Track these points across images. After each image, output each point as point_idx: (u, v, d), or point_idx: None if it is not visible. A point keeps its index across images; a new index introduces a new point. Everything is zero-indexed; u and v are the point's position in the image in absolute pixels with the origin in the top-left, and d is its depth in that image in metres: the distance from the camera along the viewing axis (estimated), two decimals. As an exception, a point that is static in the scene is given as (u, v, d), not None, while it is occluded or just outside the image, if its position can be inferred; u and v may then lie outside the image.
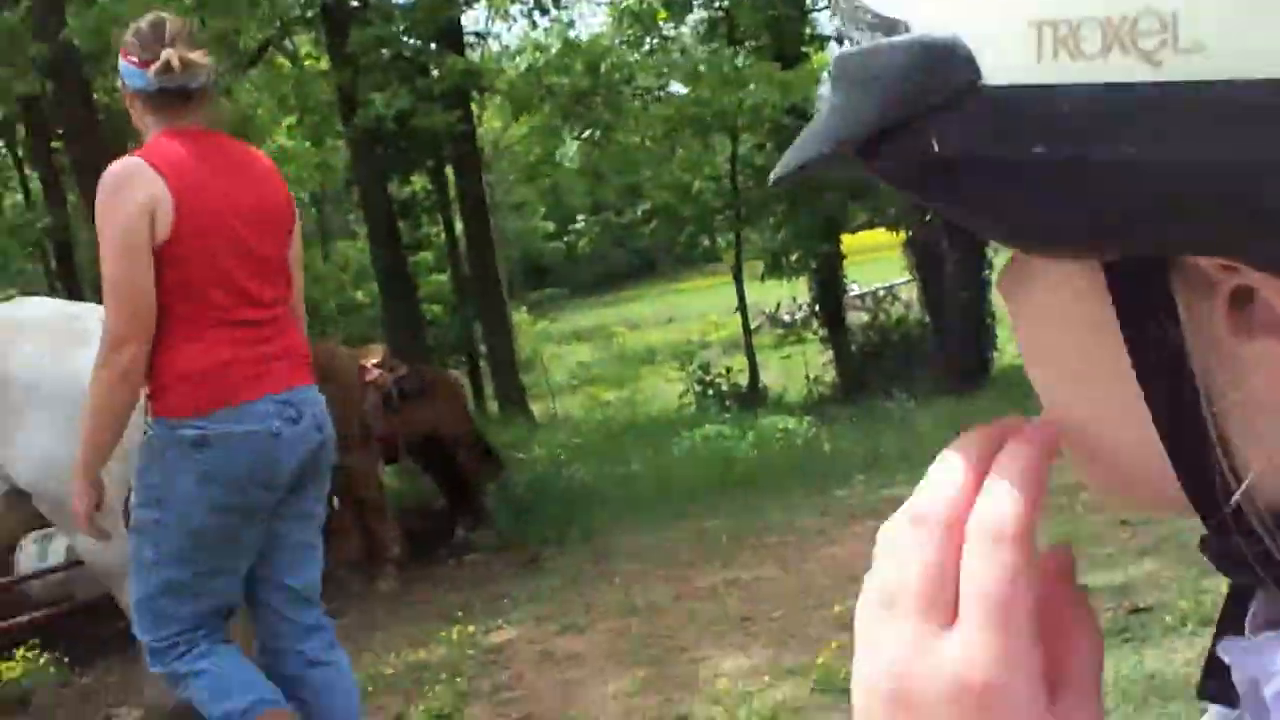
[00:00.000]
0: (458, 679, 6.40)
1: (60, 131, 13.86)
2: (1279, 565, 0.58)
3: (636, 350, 33.51)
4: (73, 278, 15.99)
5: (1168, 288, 0.56)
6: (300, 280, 4.33)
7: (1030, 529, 0.58)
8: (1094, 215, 0.54)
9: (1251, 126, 0.50)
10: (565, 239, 51.35)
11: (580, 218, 50.58)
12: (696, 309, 37.85)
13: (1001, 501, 0.59)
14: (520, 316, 30.86)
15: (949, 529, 0.59)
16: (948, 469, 0.62)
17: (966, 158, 0.55)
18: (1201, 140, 0.51)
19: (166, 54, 3.88)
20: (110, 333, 3.88)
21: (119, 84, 4.14)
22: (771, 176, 0.65)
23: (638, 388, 25.57)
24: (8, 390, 5.94)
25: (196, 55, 3.95)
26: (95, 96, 12.34)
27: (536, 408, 22.39)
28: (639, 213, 20.85)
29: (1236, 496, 0.58)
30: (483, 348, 22.32)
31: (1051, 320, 0.63)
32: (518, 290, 39.14)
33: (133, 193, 3.81)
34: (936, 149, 0.56)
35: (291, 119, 10.90)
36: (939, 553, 0.59)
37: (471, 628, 7.42)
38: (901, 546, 0.61)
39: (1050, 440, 0.62)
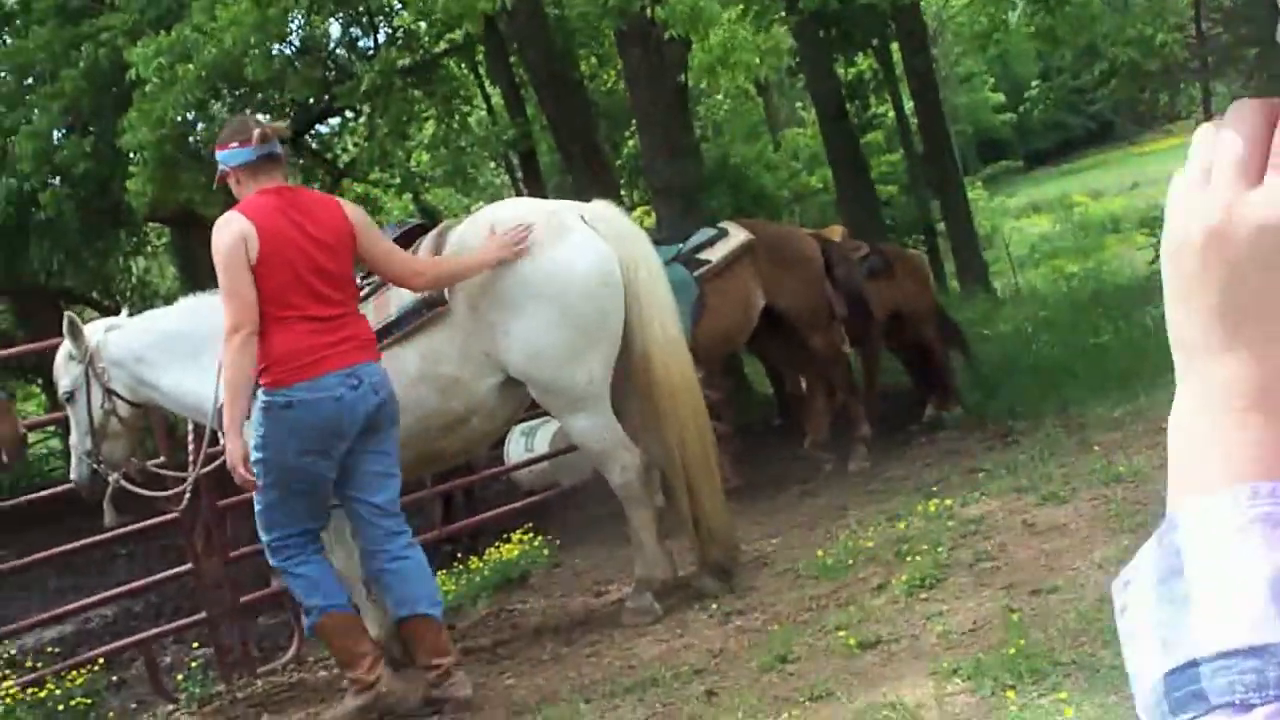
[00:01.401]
0: (938, 549, 6.40)
1: (515, 45, 14.47)
2: None
3: (1099, 219, 32.12)
4: (538, 185, 16.72)
5: None
6: (396, 263, 6.04)
7: None
8: None
9: None
10: (1018, 110, 49.48)
11: (1034, 83, 48.75)
12: (1161, 172, 35.95)
13: None
14: (975, 192, 30.16)
15: (1263, 115, 0.73)
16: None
17: None
18: None
19: (257, 131, 5.51)
20: (228, 323, 5.40)
21: (219, 171, 5.76)
22: None
23: (1102, 258, 24.61)
24: (499, 282, 6.35)
25: (278, 125, 5.72)
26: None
27: (998, 283, 21.94)
28: (1096, 73, 19.85)
29: None
30: (940, 225, 22.01)
31: None
32: (972, 165, 38.25)
33: (231, 231, 5.40)
34: None
35: (737, 7, 10.98)
36: (1255, 129, 0.73)
37: (949, 500, 7.39)
38: (1219, 134, 0.74)
39: None
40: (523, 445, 11.07)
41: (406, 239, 6.92)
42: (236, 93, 12.84)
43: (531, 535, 9.13)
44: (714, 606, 6.44)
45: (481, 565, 8.72)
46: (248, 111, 5.89)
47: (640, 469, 6.61)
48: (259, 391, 5.44)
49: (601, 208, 6.86)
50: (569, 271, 6.40)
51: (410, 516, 11.23)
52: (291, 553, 5.70)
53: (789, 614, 6.05)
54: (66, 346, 6.59)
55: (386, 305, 6.59)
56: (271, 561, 5.86)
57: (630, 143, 20.44)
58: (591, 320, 6.45)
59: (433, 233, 6.82)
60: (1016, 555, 6.07)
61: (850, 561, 6.65)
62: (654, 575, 6.69)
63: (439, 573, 8.77)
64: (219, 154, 5.64)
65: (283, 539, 5.70)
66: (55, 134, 14.06)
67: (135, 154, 11.82)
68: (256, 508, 5.70)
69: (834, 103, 19.30)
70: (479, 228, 6.60)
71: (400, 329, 6.50)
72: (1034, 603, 5.24)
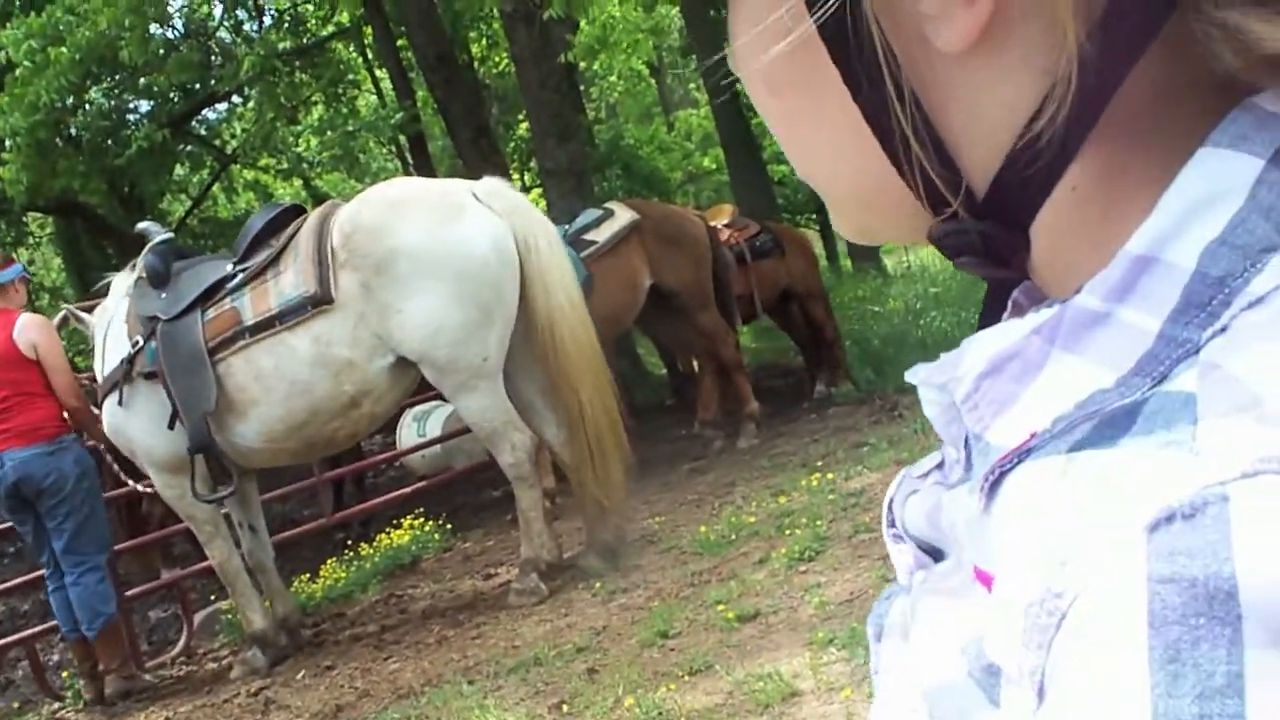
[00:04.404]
0: (818, 523, 6.49)
1: (403, 28, 14.33)
2: (994, 241, 0.60)
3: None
4: (428, 168, 16.58)
5: None
6: (63, 378, 6.91)
7: None
8: None
9: None
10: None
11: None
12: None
13: None
14: (869, 171, 30.32)
15: None
16: None
17: None
18: None
19: None
20: None
21: None
22: None
23: (995, 234, 24.93)
24: (394, 263, 6.31)
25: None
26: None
27: (889, 261, 22.18)
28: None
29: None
30: (832, 205, 22.15)
31: (761, 52, 0.62)
32: (865, 145, 38.34)
33: None
34: None
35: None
36: None
37: (832, 475, 7.47)
38: None
39: None
40: (415, 430, 11.01)
41: (283, 219, 6.85)
42: (114, 76, 12.62)
43: (423, 520, 9.10)
44: (598, 585, 6.47)
45: (372, 551, 8.68)
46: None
47: (530, 449, 6.61)
48: None
49: (492, 184, 6.84)
50: (465, 249, 6.38)
51: (301, 504, 11.26)
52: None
53: (671, 590, 6.09)
54: None
55: (266, 296, 6.53)
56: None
57: (523, 126, 20.35)
58: (488, 298, 6.43)
59: (319, 209, 6.75)
60: (895, 526, 6.13)
61: (733, 537, 6.72)
62: (540, 556, 6.69)
63: (329, 560, 8.73)
64: None
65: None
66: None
67: (8, 140, 11.59)
68: None
69: (725, 84, 19.33)
70: (370, 206, 6.56)
71: (283, 322, 6.43)
72: (909, 572, 5.31)
